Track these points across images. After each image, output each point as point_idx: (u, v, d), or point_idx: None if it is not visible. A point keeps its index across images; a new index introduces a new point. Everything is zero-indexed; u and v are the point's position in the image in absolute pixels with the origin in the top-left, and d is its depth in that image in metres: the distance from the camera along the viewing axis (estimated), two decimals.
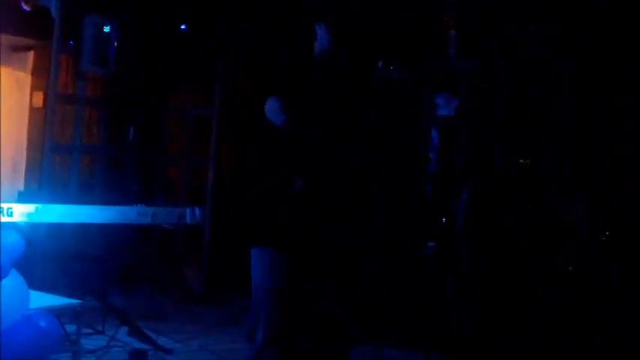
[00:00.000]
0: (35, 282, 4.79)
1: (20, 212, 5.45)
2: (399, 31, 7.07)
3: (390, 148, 6.68)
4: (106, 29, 7.00)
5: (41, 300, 4.71)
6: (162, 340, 5.53)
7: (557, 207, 6.33)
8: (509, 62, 6.75)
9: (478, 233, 6.22)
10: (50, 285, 5.26)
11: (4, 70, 6.97)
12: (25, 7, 6.50)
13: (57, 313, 4.68)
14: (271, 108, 4.87)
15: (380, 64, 6.61)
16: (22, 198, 6.47)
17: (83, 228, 6.02)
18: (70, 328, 4.92)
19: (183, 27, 7.34)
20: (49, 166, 6.69)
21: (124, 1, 7.02)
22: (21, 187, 6.90)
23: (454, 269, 6.26)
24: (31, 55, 7.06)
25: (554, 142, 6.59)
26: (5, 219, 5.29)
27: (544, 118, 6.61)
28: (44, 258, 6.00)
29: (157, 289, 6.85)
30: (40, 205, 5.55)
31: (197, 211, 6.25)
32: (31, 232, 5.59)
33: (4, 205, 5.42)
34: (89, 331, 5.51)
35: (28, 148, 7.00)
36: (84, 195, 6.78)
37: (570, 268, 5.88)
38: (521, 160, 6.64)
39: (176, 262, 7.20)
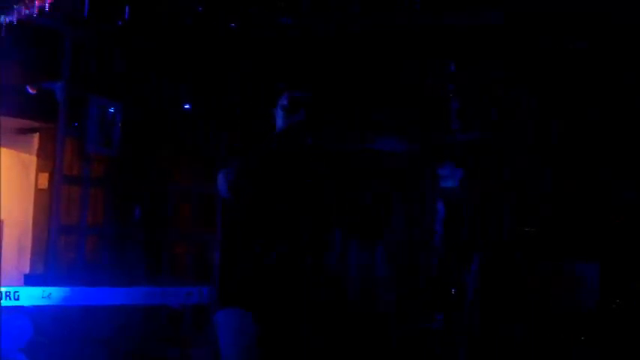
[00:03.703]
0: None
1: (26, 295, 5.43)
2: (402, 103, 7.14)
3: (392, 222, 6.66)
4: (110, 110, 7.08)
5: None
6: None
7: (567, 273, 6.29)
8: (511, 131, 6.80)
9: (490, 303, 6.17)
10: None
11: (10, 152, 7.03)
12: (31, 91, 6.60)
13: None
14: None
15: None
16: (28, 281, 6.44)
17: (90, 310, 5.97)
18: None
19: (186, 106, 7.43)
20: (55, 248, 6.66)
21: (127, 82, 7.11)
22: (27, 269, 6.85)
23: (466, 340, 6.19)
24: (36, 137, 7.10)
25: (557, 208, 6.59)
26: (12, 303, 5.27)
27: (548, 184, 6.62)
28: (51, 342, 5.92)
29: None
30: (46, 288, 5.53)
31: (205, 290, 6.21)
32: (37, 315, 5.56)
33: (11, 289, 5.41)
34: None
35: (34, 230, 6.98)
36: (91, 276, 6.72)
37: (583, 338, 5.81)
38: (527, 229, 6.62)
39: (184, 343, 7.09)
